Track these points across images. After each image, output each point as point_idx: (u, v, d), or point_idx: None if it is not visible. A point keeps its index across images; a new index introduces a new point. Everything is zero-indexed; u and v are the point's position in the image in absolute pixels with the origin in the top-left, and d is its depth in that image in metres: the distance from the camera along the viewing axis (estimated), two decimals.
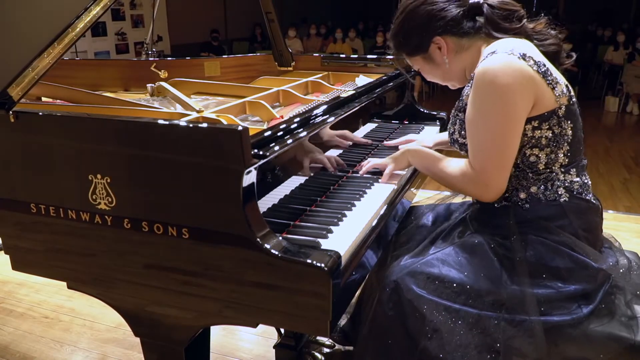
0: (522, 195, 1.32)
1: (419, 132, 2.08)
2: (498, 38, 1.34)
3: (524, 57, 1.23)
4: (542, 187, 1.31)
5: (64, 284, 1.34)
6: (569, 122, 1.29)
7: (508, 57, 1.23)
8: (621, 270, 1.30)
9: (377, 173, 1.59)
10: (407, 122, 2.24)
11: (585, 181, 1.34)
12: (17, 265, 1.38)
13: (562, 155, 1.30)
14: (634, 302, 1.26)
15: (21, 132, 1.26)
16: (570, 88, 1.32)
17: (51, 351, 2.22)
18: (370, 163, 1.60)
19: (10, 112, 1.23)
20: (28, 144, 1.27)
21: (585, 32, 10.67)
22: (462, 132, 1.36)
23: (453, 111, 1.44)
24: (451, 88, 1.51)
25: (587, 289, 1.23)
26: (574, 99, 1.31)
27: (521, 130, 1.26)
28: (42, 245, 1.34)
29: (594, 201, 1.34)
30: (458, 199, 1.72)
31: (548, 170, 1.31)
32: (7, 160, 1.31)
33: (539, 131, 1.27)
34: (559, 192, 1.30)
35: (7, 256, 1.38)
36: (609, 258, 1.32)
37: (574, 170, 1.32)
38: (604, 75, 9.03)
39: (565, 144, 1.30)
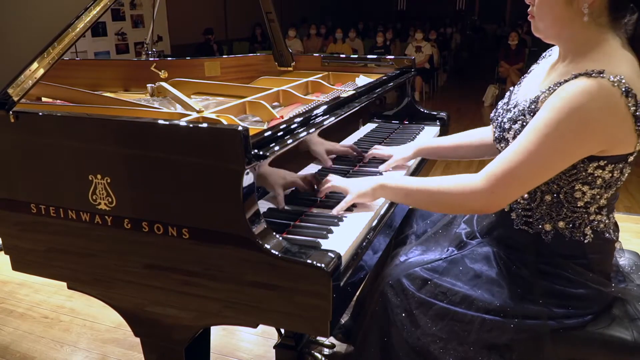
0: (547, 228, 1.25)
1: (418, 132, 2.08)
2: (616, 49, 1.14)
3: (627, 93, 1.06)
4: (571, 224, 1.23)
5: (64, 284, 1.34)
6: (629, 167, 1.19)
7: (611, 88, 1.06)
8: (633, 289, 1.29)
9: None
10: (407, 122, 2.24)
11: (611, 218, 1.28)
12: (17, 265, 1.38)
13: (604, 199, 1.22)
14: (635, 304, 1.26)
15: (21, 132, 1.26)
16: None
17: (51, 351, 2.22)
18: (330, 183, 1.36)
19: (10, 112, 1.23)
20: (28, 144, 1.27)
21: None
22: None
23: (516, 110, 1.24)
24: (536, 34, 1.22)
25: (594, 311, 1.23)
26: None
27: (565, 166, 1.14)
28: (42, 246, 1.33)
29: (613, 236, 1.28)
30: None
31: (584, 209, 1.21)
32: (7, 160, 1.31)
33: (601, 171, 1.15)
34: (585, 233, 1.23)
35: (7, 256, 1.37)
36: (620, 284, 1.31)
37: (606, 211, 1.25)
38: None
39: (614, 188, 1.21)
